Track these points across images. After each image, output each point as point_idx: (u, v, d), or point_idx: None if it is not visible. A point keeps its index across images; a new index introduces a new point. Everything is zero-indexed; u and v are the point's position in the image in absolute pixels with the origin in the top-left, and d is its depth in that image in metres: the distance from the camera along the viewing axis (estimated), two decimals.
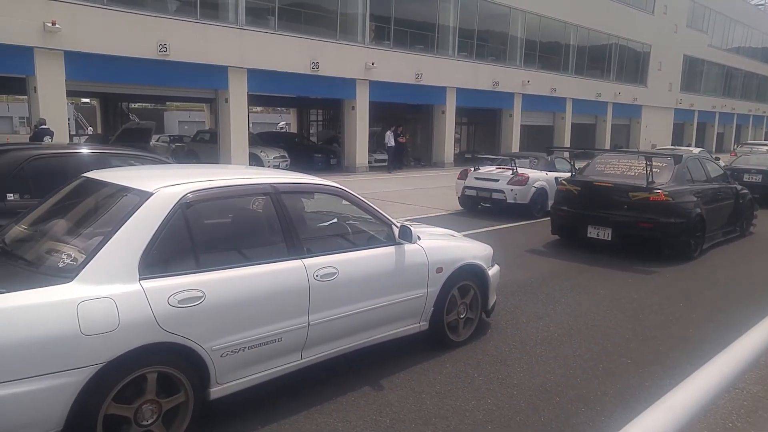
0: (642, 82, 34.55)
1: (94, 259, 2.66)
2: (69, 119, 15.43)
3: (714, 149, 38.27)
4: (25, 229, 3.32)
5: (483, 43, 24.63)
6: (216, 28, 16.27)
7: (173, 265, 2.90)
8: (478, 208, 11.44)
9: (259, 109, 40.78)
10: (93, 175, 3.58)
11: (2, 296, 2.41)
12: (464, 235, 5.44)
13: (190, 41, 15.61)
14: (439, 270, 4.14)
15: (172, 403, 2.82)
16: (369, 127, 20.81)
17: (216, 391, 3.01)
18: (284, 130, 35.44)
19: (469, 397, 3.59)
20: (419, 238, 4.09)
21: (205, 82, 17.00)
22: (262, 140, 20.84)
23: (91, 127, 29.92)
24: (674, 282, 6.65)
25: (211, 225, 3.35)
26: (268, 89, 19.27)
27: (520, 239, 8.83)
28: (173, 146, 23.86)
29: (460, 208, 11.55)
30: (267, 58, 17.20)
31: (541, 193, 10.87)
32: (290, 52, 17.64)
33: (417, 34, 21.98)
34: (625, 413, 3.38)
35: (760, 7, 49.45)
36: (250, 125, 21.64)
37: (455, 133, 25.67)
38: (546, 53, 27.64)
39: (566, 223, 8.31)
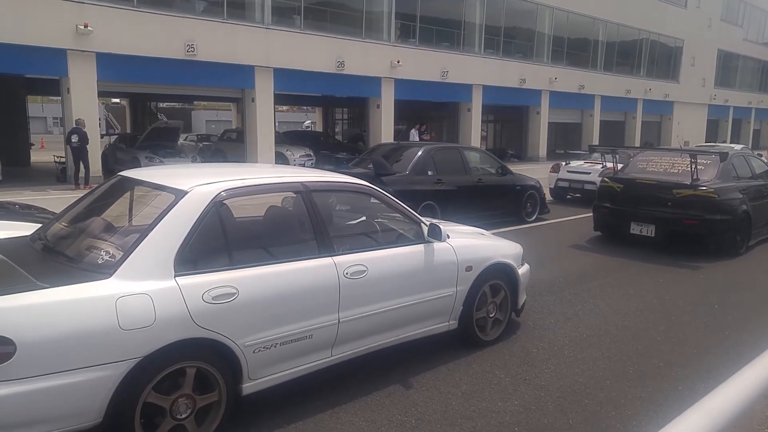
0: (674, 77, 33.66)
1: (131, 256, 2.72)
2: (100, 119, 15.75)
3: (750, 146, 37.07)
4: (65, 226, 3.41)
5: (510, 39, 24.32)
6: (242, 27, 16.42)
7: (207, 262, 2.96)
8: (567, 198, 12.66)
9: (284, 108, 41.12)
10: (129, 174, 3.68)
11: (46, 291, 2.48)
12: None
13: (217, 41, 15.79)
14: (469, 268, 4.12)
15: (206, 398, 2.87)
16: (394, 125, 20.77)
17: (248, 387, 3.04)
18: (310, 129, 35.64)
19: (496, 398, 3.54)
20: (448, 236, 4.06)
21: (231, 81, 17.17)
22: (288, 139, 21.01)
23: (119, 127, 30.57)
24: (711, 282, 6.46)
25: (245, 222, 3.41)
26: (293, 88, 19.37)
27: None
28: (201, 145, 24.23)
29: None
30: (293, 58, 17.30)
31: None
32: (316, 51, 17.70)
33: (443, 32, 21.82)
34: (657, 418, 3.28)
35: None
36: (276, 124, 21.81)
37: (481, 130, 25.43)
38: (574, 49, 27.15)
39: (609, 219, 8.44)
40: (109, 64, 14.14)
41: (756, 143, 40.70)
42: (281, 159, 18.46)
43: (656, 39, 31.87)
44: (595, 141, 28.16)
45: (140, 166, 15.85)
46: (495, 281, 4.36)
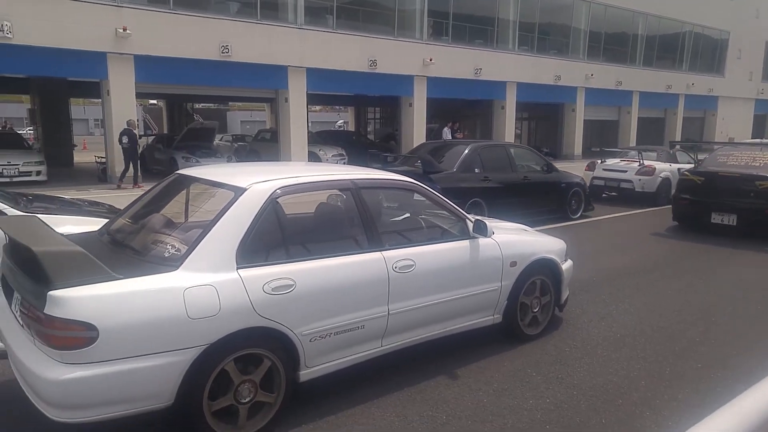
0: (719, 71, 32.41)
1: (196, 249, 2.88)
2: (138, 120, 16.18)
3: None
4: (130, 221, 3.63)
5: (544, 36, 23.85)
6: (276, 28, 16.58)
7: (266, 256, 3.12)
8: (603, 197, 12.41)
9: (317, 108, 41.40)
10: (187, 172, 3.91)
11: (122, 282, 2.66)
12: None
13: (251, 42, 15.98)
14: (513, 264, 4.20)
15: (266, 384, 3.03)
16: (426, 123, 20.65)
17: (305, 374, 3.19)
18: (342, 129, 35.80)
19: (528, 395, 3.51)
20: (493, 232, 4.13)
21: (265, 82, 17.37)
22: (320, 139, 21.13)
23: (156, 128, 31.32)
24: (754, 281, 6.23)
25: (300, 218, 3.63)
26: (326, 88, 19.47)
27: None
28: (236, 146, 24.61)
29: None
30: (325, 57, 17.37)
31: (666, 182, 12.05)
32: (348, 51, 17.74)
33: (476, 29, 21.57)
34: (693, 419, 3.12)
35: None
36: (309, 124, 21.97)
37: (515, 128, 25.04)
38: (611, 45, 26.44)
39: (689, 210, 9.03)
40: (146, 66, 14.50)
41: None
42: (314, 158, 18.56)
43: (700, 31, 30.72)
44: (633, 139, 27.40)
45: (177, 167, 16.23)
46: (539, 276, 4.43)
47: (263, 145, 20.84)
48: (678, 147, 13.62)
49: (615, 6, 25.66)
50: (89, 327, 2.50)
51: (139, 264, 2.89)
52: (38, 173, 14.35)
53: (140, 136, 15.74)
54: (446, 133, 18.81)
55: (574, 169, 11.93)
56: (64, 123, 20.51)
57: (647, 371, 3.90)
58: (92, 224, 5.15)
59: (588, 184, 12.65)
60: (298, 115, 17.58)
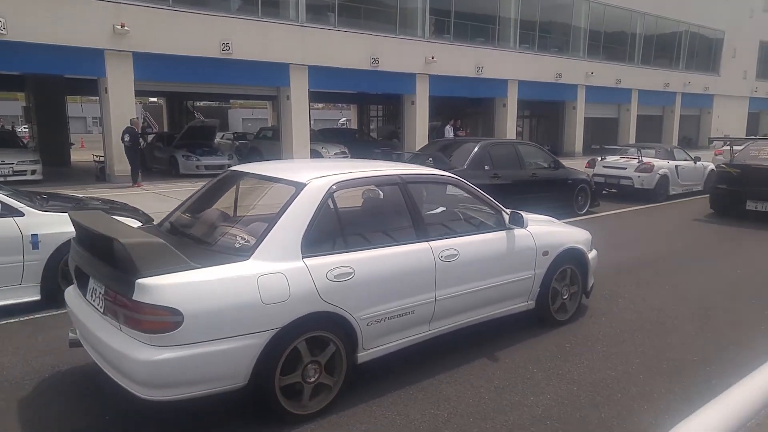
0: (714, 70, 32.62)
1: (265, 240, 3.08)
2: (138, 118, 15.91)
3: None
4: (189, 214, 3.84)
5: (545, 34, 23.87)
6: (277, 26, 16.44)
7: (327, 246, 3.31)
8: (603, 193, 12.26)
9: (320, 105, 41.24)
10: (241, 168, 4.14)
11: (202, 270, 2.85)
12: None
13: (252, 39, 15.84)
14: (545, 253, 4.44)
15: (331, 365, 3.24)
16: (429, 121, 20.60)
17: (362, 356, 3.39)
18: (344, 127, 35.63)
19: (528, 392, 3.52)
20: (528, 223, 4.30)
21: (267, 79, 17.22)
22: (322, 137, 20.97)
23: (156, 125, 30.98)
24: (749, 277, 6.26)
25: (355, 210, 3.86)
26: (328, 86, 19.36)
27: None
28: (237, 143, 24.38)
29: None
30: (327, 55, 17.26)
31: (664, 179, 12.25)
32: (350, 48, 17.63)
33: (477, 27, 21.52)
34: (690, 411, 3.10)
35: None
36: (311, 122, 21.81)
37: (517, 126, 25.03)
38: (611, 43, 26.52)
39: (725, 199, 10.10)
40: (145, 63, 14.31)
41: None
42: (316, 156, 18.41)
43: (696, 31, 30.92)
44: (632, 136, 27.52)
45: (177, 166, 16.09)
46: (568, 265, 4.67)
47: (265, 143, 20.66)
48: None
49: (614, 5, 25.74)
50: (175, 312, 2.69)
51: (210, 254, 3.07)
52: (33, 172, 14.08)
53: (140, 135, 15.46)
54: (448, 131, 18.76)
55: (575, 166, 11.99)
56: (61, 121, 20.19)
57: (646, 366, 3.93)
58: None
59: None
60: (300, 113, 17.45)
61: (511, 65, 22.13)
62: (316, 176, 3.42)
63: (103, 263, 3.02)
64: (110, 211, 5.65)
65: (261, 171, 3.97)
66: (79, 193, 10.98)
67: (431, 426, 3.12)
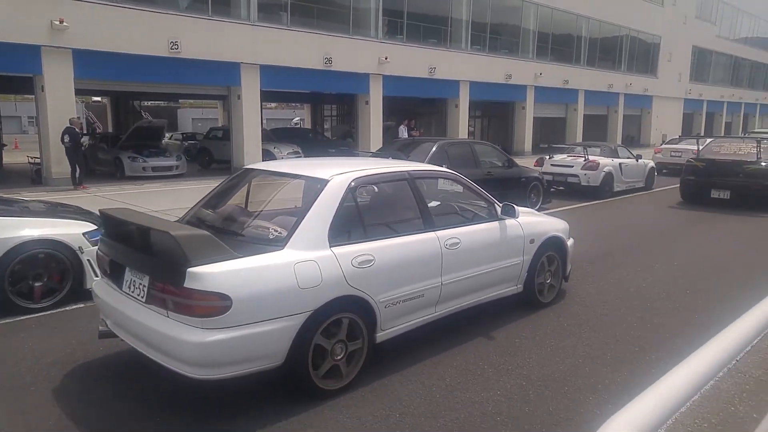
0: (652, 72, 34.21)
1: (296, 231, 3.37)
2: (78, 117, 15.20)
3: None
4: (212, 210, 4.09)
5: (496, 36, 24.40)
6: (228, 24, 16.13)
7: (350, 236, 3.61)
8: (551, 191, 12.46)
9: (273, 105, 40.62)
10: (258, 166, 4.47)
11: (245, 259, 3.11)
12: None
13: (202, 38, 15.49)
14: (532, 241, 4.88)
15: (354, 344, 3.55)
16: (383, 121, 20.67)
17: (381, 336, 3.71)
18: (298, 126, 35.29)
19: (479, 389, 3.59)
20: (519, 214, 4.72)
21: (217, 79, 16.88)
22: (275, 136, 20.70)
23: (96, 123, 29.67)
24: (683, 269, 6.62)
25: (371, 203, 4.21)
26: (281, 85, 19.12)
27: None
28: (186, 144, 23.75)
29: None
30: (280, 54, 17.06)
31: (609, 176, 12.76)
32: (303, 48, 17.49)
33: (430, 28, 21.77)
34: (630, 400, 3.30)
35: None
36: (264, 121, 21.52)
37: (469, 126, 25.46)
38: (558, 45, 27.37)
39: (693, 188, 11.71)
40: (87, 61, 13.71)
41: (727, 135, 41.61)
42: (268, 156, 18.16)
43: (635, 35, 32.36)
44: (579, 135, 28.48)
45: (123, 167, 15.56)
46: (550, 252, 5.13)
47: (215, 144, 20.23)
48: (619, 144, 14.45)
49: (560, 9, 26.60)
50: (225, 297, 2.95)
51: (245, 245, 3.33)
52: None
53: (82, 135, 14.79)
54: (402, 131, 18.88)
55: (525, 164, 12.31)
56: None
57: (591, 358, 4.08)
58: (62, 226, 4.94)
59: None
60: (251, 113, 17.18)
61: (462, 66, 22.50)
62: (337, 173, 3.73)
63: (146, 255, 3.26)
64: (62, 214, 5.46)
65: (280, 168, 4.37)
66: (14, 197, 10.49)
67: (383, 427, 3.14)
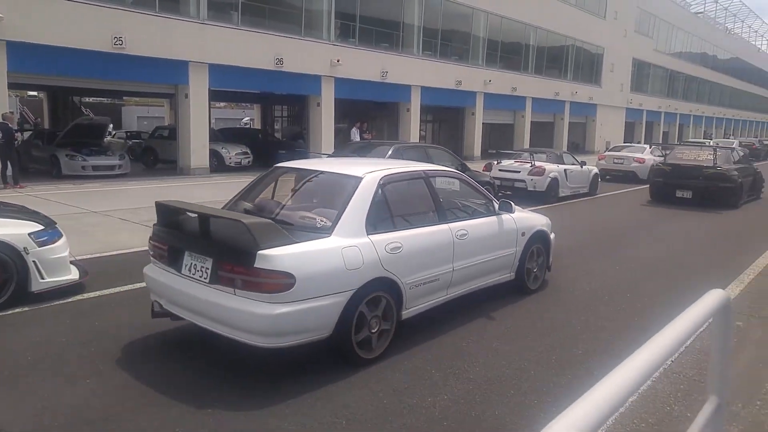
0: (597, 82, 35.62)
1: (340, 221, 3.89)
2: (12, 112, 14.34)
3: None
4: (252, 203, 4.52)
5: (447, 42, 24.75)
6: (176, 21, 15.69)
7: (381, 226, 4.13)
8: (499, 195, 12.77)
9: (222, 104, 39.72)
10: (290, 164, 5.04)
11: (302, 243, 3.62)
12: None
13: (148, 34, 14.98)
14: (523, 234, 5.52)
15: (386, 323, 4.07)
16: (335, 123, 20.58)
17: (405, 314, 4.25)
18: (248, 126, 34.62)
19: (426, 393, 3.59)
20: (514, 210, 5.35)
21: (163, 76, 16.38)
22: (224, 136, 20.24)
23: (39, 119, 28.11)
24: (627, 271, 6.84)
25: (397, 198, 4.60)
26: (230, 85, 18.76)
27: None
28: (130, 143, 22.89)
29: None
30: (230, 54, 16.71)
31: (554, 182, 13.13)
32: (254, 48, 17.20)
33: (382, 33, 21.87)
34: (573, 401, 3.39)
35: (698, 15, 52.04)
36: (212, 121, 21.00)
37: (420, 130, 25.70)
38: (507, 53, 28.06)
39: (661, 189, 13.39)
40: (22, 54, 13.01)
41: (666, 144, 43.85)
42: (216, 157, 17.77)
43: (581, 46, 33.63)
44: (527, 141, 29.27)
45: (59, 166, 14.78)
46: (537, 245, 5.75)
47: (161, 143, 19.59)
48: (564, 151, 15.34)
49: (510, 18, 27.28)
50: (290, 276, 3.43)
51: (296, 232, 3.78)
52: None
53: (16, 131, 13.96)
54: (354, 134, 18.86)
55: (474, 169, 12.49)
56: None
57: (536, 361, 4.15)
58: (5, 226, 4.72)
59: None
60: (199, 112, 16.74)
61: (414, 71, 22.71)
62: (368, 171, 4.32)
63: (211, 240, 3.77)
64: (6, 213, 5.15)
65: (311, 166, 4.95)
66: None
67: None
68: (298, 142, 22.04)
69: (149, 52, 15.06)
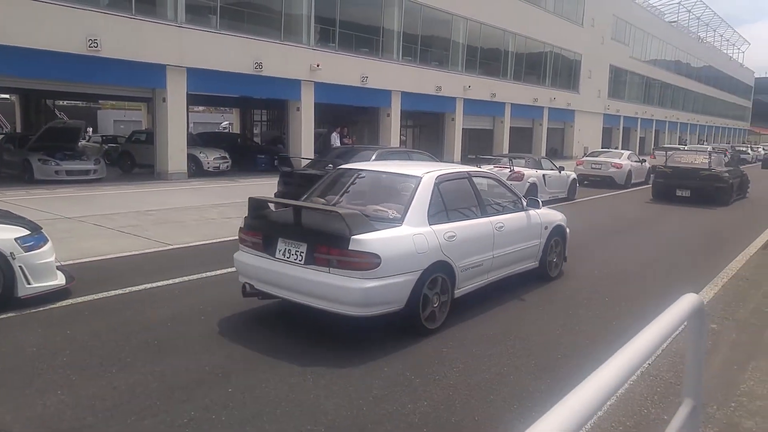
0: (575, 88, 36.15)
1: (408, 212, 4.64)
2: None
3: (638, 152, 40.63)
4: (326, 199, 5.15)
5: (426, 48, 24.89)
6: (153, 24, 15.48)
7: (438, 217, 4.85)
8: None
9: (200, 108, 39.32)
10: (354, 166, 5.96)
11: (383, 231, 4.36)
12: None
13: (125, 37, 14.76)
14: (546, 227, 6.34)
15: (444, 297, 4.79)
16: (315, 128, 20.51)
17: (457, 293, 4.97)
18: (226, 131, 34.28)
19: (406, 400, 3.56)
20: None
21: (140, 80, 16.16)
22: (202, 141, 20.03)
23: (8, 125, 27.53)
24: (601, 279, 6.91)
25: (449, 194, 5.22)
26: (209, 89, 18.58)
27: None
28: (106, 147, 22.51)
29: None
30: (208, 58, 16.56)
31: (533, 187, 13.17)
32: (232, 52, 17.06)
33: (362, 38, 21.89)
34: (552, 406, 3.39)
35: (672, 24, 53.30)
36: (191, 125, 20.75)
37: (401, 135, 25.76)
38: (486, 59, 28.33)
39: (662, 188, 15.25)
40: None
41: (642, 149, 44.72)
42: (194, 161, 17.54)
43: (559, 52, 34.14)
44: (506, 146, 29.54)
45: (32, 170, 14.44)
46: (556, 237, 6.55)
47: (138, 147, 19.31)
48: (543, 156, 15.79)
49: (489, 24, 27.56)
50: (377, 257, 4.16)
51: (374, 222, 4.46)
52: None
53: None
54: (335, 138, 18.80)
55: None
56: None
57: (516, 366, 4.15)
58: None
59: None
60: (177, 116, 16.52)
61: (394, 76, 22.77)
62: (426, 171, 5.11)
63: (306, 228, 4.45)
64: None
65: (374, 168, 5.80)
66: None
67: None
68: (277, 147, 21.92)
69: (125, 55, 14.83)
